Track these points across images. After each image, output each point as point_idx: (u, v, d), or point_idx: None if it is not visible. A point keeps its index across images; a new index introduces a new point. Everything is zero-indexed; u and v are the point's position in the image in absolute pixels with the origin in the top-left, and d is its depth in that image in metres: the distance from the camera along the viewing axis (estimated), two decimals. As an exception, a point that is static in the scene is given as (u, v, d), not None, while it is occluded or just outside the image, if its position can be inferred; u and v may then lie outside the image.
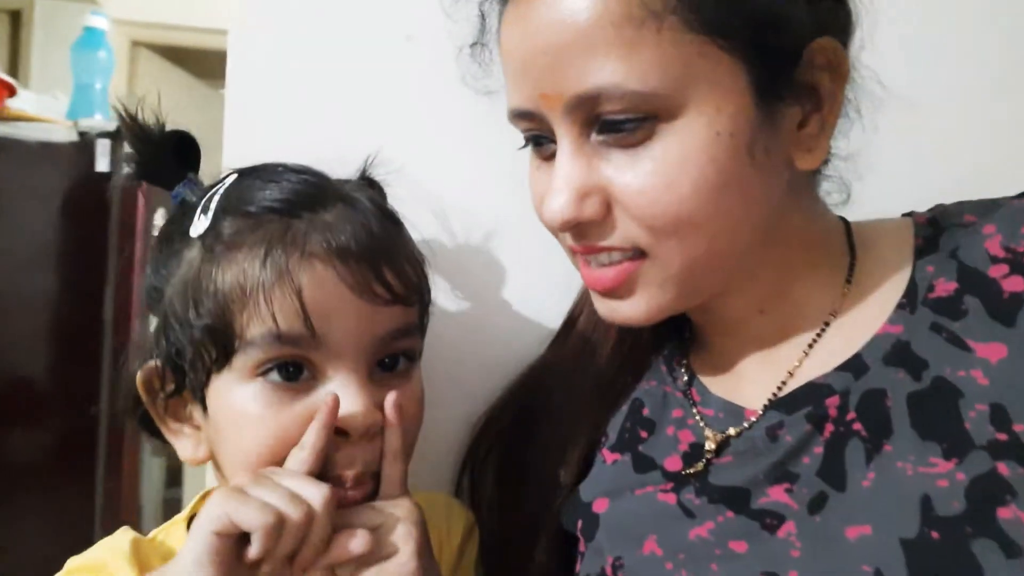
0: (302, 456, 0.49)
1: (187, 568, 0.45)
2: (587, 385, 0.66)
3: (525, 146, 0.56)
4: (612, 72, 0.46)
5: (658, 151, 0.47)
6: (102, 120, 1.58)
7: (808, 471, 0.50)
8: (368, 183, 0.61)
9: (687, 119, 0.47)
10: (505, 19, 0.52)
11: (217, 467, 0.55)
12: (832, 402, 0.50)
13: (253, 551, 0.45)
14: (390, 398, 0.52)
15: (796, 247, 0.55)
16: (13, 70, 2.91)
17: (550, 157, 0.52)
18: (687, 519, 0.53)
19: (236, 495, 0.46)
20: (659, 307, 0.52)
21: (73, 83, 1.72)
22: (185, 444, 0.56)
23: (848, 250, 0.56)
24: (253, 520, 0.45)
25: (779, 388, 0.54)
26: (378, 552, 0.49)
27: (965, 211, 0.53)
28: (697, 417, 0.57)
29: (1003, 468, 0.43)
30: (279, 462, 0.50)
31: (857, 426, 0.49)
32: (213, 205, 0.53)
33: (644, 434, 0.60)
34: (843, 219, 0.59)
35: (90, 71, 1.71)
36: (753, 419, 0.54)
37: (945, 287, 0.50)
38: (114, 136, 1.52)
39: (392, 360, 0.55)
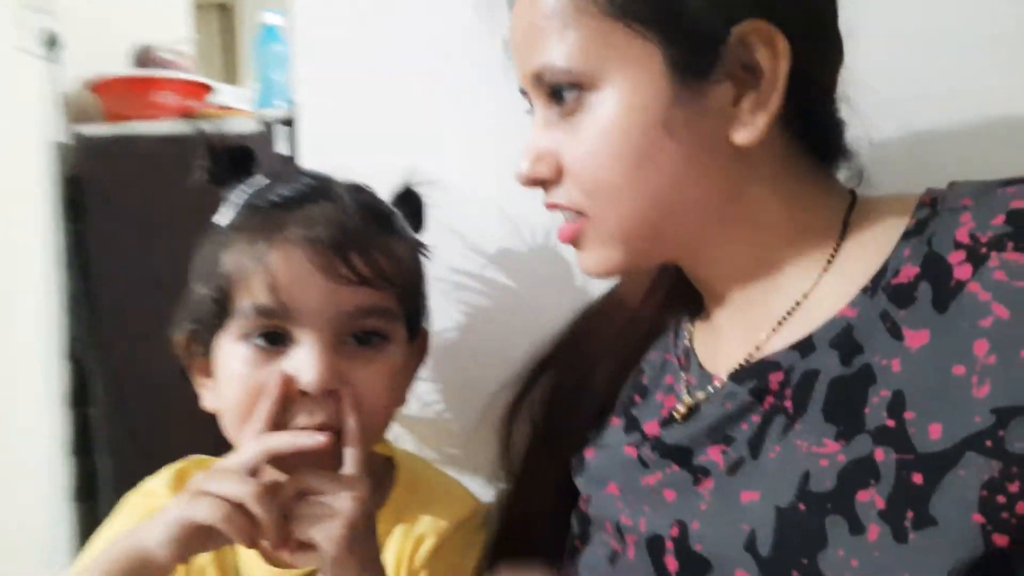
0: (252, 429, 0.60)
1: (153, 544, 0.56)
2: (605, 354, 0.73)
3: None
4: (547, 53, 0.55)
5: (586, 122, 0.55)
6: (280, 109, 1.80)
7: (743, 436, 0.54)
8: (364, 188, 0.70)
9: (605, 94, 0.54)
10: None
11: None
12: (775, 377, 0.54)
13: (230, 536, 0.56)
14: (345, 388, 0.61)
15: (770, 226, 0.57)
16: (228, 61, 3.31)
17: None
18: (643, 468, 0.60)
19: (191, 499, 0.56)
20: (607, 262, 0.59)
21: (259, 76, 1.96)
22: (207, 396, 0.69)
23: (840, 230, 0.56)
24: (207, 516, 0.55)
25: (744, 362, 0.58)
26: (317, 510, 0.58)
27: (965, 193, 0.51)
28: (683, 383, 0.63)
29: (879, 453, 0.45)
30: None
31: (788, 403, 0.52)
32: (235, 200, 0.66)
33: (637, 399, 0.67)
34: (853, 194, 0.58)
35: (270, 65, 1.92)
36: (718, 385, 0.59)
37: (908, 273, 0.49)
38: (289, 123, 1.73)
39: (365, 335, 0.64)
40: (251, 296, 0.61)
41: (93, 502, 1.77)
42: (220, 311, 0.64)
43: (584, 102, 0.54)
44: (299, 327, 0.62)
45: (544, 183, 0.59)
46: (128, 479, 1.72)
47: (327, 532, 0.57)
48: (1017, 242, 0.46)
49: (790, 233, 0.57)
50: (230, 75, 3.20)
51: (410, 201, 0.76)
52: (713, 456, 0.56)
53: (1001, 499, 0.41)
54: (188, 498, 0.57)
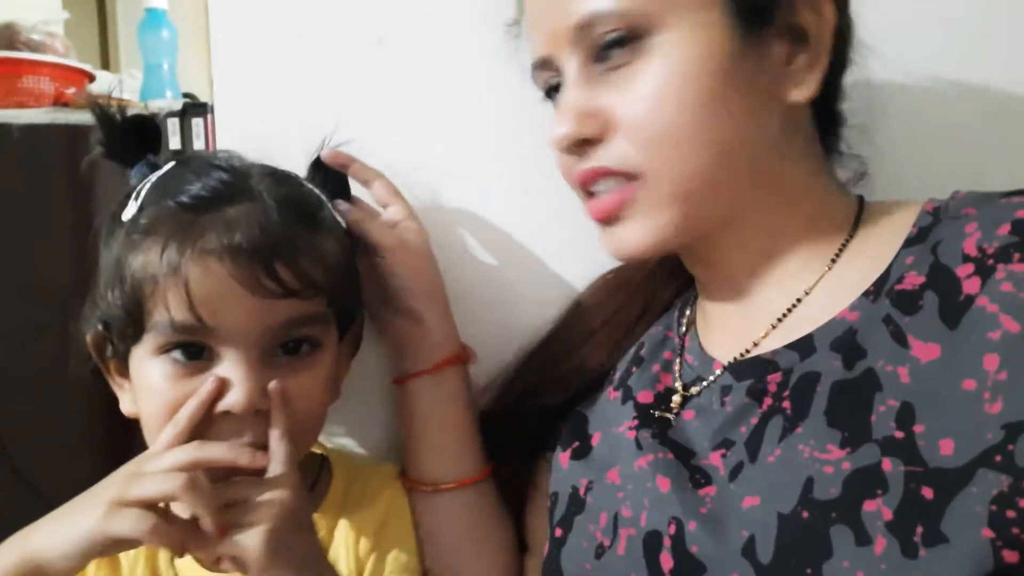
0: (173, 432, 0.55)
1: (54, 555, 0.52)
2: (601, 328, 0.72)
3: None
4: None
5: (648, 69, 0.53)
6: (171, 99, 1.67)
7: (741, 439, 0.53)
8: (286, 178, 0.65)
9: (668, 37, 0.52)
10: None
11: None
12: (774, 378, 0.53)
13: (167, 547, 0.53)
14: (272, 384, 0.57)
15: (790, 208, 0.56)
16: (103, 46, 3.08)
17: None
18: (637, 451, 0.59)
19: (108, 511, 0.52)
20: (656, 233, 0.56)
21: (143, 64, 1.82)
22: (125, 399, 0.64)
23: (849, 230, 0.56)
24: (132, 530, 0.51)
25: (742, 354, 0.57)
26: (240, 522, 0.54)
27: (967, 203, 0.51)
28: (679, 363, 0.62)
29: (887, 464, 0.45)
30: None
31: (786, 404, 0.52)
32: (143, 192, 0.60)
33: (634, 369, 0.66)
34: (860, 198, 0.59)
35: (156, 51, 1.79)
36: (718, 372, 0.58)
37: (913, 280, 0.50)
38: (181, 114, 1.61)
39: (295, 345, 0.60)
40: (166, 310, 0.56)
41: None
42: (133, 322, 0.58)
43: (640, 49, 0.53)
44: (222, 344, 0.57)
45: (587, 144, 0.56)
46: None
47: (249, 539, 0.53)
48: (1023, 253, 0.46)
49: (807, 220, 0.57)
50: (106, 60, 2.97)
51: (328, 171, 0.72)
52: (714, 460, 0.55)
53: (1011, 514, 0.41)
54: (103, 510, 0.52)
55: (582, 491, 0.64)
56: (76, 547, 0.52)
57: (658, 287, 0.71)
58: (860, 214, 0.58)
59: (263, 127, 0.77)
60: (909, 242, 0.52)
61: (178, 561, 0.66)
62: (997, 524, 0.41)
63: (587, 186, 0.58)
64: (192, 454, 0.54)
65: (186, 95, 1.74)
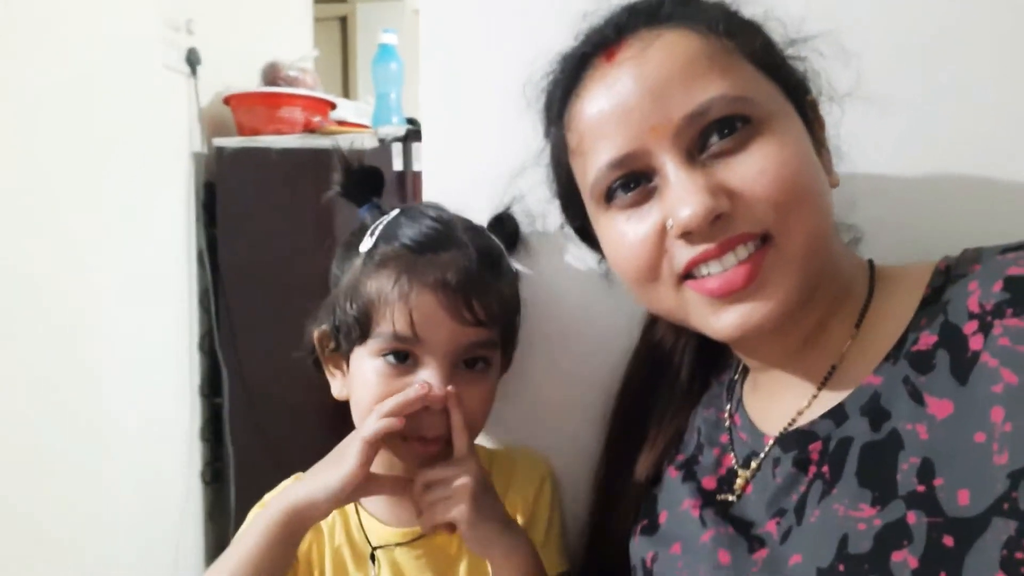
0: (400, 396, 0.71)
1: (320, 495, 0.69)
2: (659, 402, 0.79)
3: (609, 201, 0.61)
4: (716, 88, 0.56)
5: (763, 143, 0.56)
6: (396, 126, 1.90)
7: (791, 506, 0.58)
8: (480, 231, 0.80)
9: (776, 119, 0.57)
10: (591, 89, 0.61)
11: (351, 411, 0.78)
12: (815, 447, 0.58)
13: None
14: (449, 388, 0.72)
15: (833, 281, 0.60)
16: (345, 72, 3.47)
17: (642, 199, 0.59)
18: (701, 528, 0.64)
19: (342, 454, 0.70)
20: (787, 295, 0.56)
21: (375, 93, 2.07)
22: (336, 385, 0.81)
23: (867, 293, 0.61)
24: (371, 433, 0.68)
25: (788, 425, 0.62)
26: (444, 493, 0.69)
27: (974, 259, 0.56)
28: (737, 444, 0.68)
29: (911, 517, 0.49)
30: None
31: (825, 468, 0.56)
32: (376, 232, 0.77)
33: (699, 457, 0.72)
34: (870, 262, 0.64)
35: (386, 82, 2.03)
36: (768, 445, 0.63)
37: (927, 340, 0.54)
38: (404, 140, 1.84)
39: (473, 362, 0.75)
40: (390, 324, 0.72)
41: (219, 484, 1.94)
42: (360, 329, 0.74)
43: (750, 130, 0.56)
44: (425, 353, 0.73)
45: (717, 219, 0.56)
46: (250, 465, 1.88)
47: (457, 509, 0.69)
48: (1015, 308, 0.49)
49: (839, 290, 0.61)
50: (346, 86, 3.35)
51: (505, 225, 0.86)
52: (769, 528, 0.60)
53: (1020, 555, 0.44)
54: (353, 453, 0.69)
55: (648, 562, 0.69)
56: (339, 485, 0.68)
57: (692, 366, 0.78)
58: (872, 277, 0.62)
59: (461, 152, 0.89)
60: (924, 303, 0.56)
61: (365, 521, 0.82)
62: (1008, 566, 0.44)
63: (718, 255, 0.56)
64: (379, 408, 0.70)
65: (410, 120, 1.96)
